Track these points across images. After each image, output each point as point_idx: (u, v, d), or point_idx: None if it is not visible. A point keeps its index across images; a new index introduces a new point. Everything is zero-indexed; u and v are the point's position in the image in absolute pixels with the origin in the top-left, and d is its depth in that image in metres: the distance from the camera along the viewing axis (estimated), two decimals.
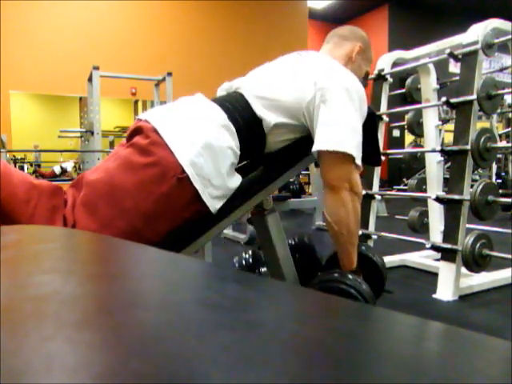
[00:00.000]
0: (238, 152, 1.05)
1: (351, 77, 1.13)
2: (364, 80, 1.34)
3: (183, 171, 0.93)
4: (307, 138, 1.14)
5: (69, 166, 6.28)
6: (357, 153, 1.06)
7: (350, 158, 1.06)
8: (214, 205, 0.99)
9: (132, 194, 0.92)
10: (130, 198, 0.92)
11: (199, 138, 0.97)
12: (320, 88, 1.07)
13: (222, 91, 1.26)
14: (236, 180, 1.05)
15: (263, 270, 1.52)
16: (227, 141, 1.01)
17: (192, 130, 0.98)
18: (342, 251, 1.15)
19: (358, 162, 1.07)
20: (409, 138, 8.05)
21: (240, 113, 1.08)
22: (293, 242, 1.55)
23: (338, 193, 1.08)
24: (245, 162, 1.19)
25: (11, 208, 0.88)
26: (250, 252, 1.62)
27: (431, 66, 2.51)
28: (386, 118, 2.50)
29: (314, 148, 1.07)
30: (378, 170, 2.49)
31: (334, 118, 1.06)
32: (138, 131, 0.99)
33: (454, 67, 8.04)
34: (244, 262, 1.60)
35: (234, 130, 1.03)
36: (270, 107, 1.10)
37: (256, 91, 1.13)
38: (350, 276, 1.11)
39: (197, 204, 0.97)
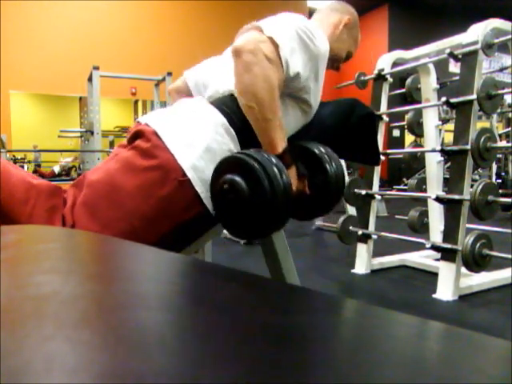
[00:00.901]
0: None
1: (316, 30, 1.06)
2: (345, 59, 1.28)
3: (184, 174, 0.93)
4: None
5: (68, 160, 6.29)
6: (267, 28, 0.95)
7: (258, 29, 0.96)
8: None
9: (133, 195, 0.92)
10: (130, 199, 0.92)
11: (200, 141, 0.97)
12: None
13: (210, 91, 1.19)
14: None
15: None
16: (227, 144, 1.00)
17: (193, 134, 0.98)
18: (257, 130, 0.96)
19: (277, 41, 0.94)
20: (409, 137, 8.06)
21: (237, 115, 1.08)
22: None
23: (240, 56, 0.92)
24: None
25: (10, 208, 0.88)
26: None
27: (431, 66, 2.51)
28: (386, 118, 2.50)
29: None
30: (377, 170, 2.49)
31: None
32: (138, 134, 0.99)
33: (454, 67, 8.04)
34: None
35: (233, 133, 1.03)
36: None
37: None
38: (265, 153, 0.89)
39: (197, 206, 0.97)
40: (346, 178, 1.01)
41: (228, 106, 1.08)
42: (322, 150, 1.04)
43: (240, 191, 0.87)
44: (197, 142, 0.97)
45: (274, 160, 0.88)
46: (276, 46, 0.93)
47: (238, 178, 0.88)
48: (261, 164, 0.86)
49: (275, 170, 0.86)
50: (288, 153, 0.97)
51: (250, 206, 0.88)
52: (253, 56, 0.91)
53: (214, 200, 0.95)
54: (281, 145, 0.95)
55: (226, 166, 0.93)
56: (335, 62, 1.26)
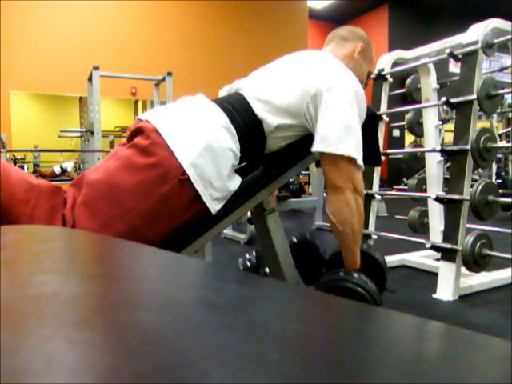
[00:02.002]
0: (239, 154, 1.05)
1: (351, 77, 1.13)
2: (366, 79, 1.34)
3: (184, 172, 0.93)
4: (307, 138, 1.14)
5: (69, 165, 6.28)
6: (357, 154, 1.07)
7: (351, 160, 1.07)
8: (214, 206, 0.99)
9: (132, 194, 0.92)
10: (130, 198, 0.92)
11: (200, 139, 0.97)
12: (322, 86, 1.07)
13: (224, 92, 1.26)
14: (236, 182, 1.05)
15: (268, 270, 1.52)
16: (228, 142, 1.01)
17: (193, 131, 0.98)
18: (347, 251, 1.15)
19: (360, 162, 1.08)
20: (409, 137, 8.06)
21: (240, 114, 1.08)
22: (295, 240, 1.54)
23: (341, 193, 1.09)
24: (244, 163, 1.19)
25: (10, 209, 0.88)
26: (254, 253, 1.62)
27: (431, 66, 2.51)
28: (386, 118, 2.50)
29: (314, 148, 1.08)
30: (378, 170, 2.49)
31: (332, 118, 1.06)
32: (138, 132, 0.99)
33: (454, 67, 8.04)
34: (248, 263, 1.60)
35: (234, 131, 1.03)
36: (270, 109, 1.10)
37: (256, 93, 1.13)
38: (356, 274, 1.11)
39: (197, 205, 0.97)
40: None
41: (231, 104, 1.08)
42: (365, 246, 1.37)
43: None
44: (197, 139, 0.97)
45: (364, 278, 1.11)
46: (361, 167, 1.10)
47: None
48: (361, 286, 1.09)
49: (370, 285, 1.10)
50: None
51: None
52: (351, 193, 1.10)
53: None
54: (359, 260, 1.17)
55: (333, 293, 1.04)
56: (360, 83, 1.30)
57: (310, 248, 1.52)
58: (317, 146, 1.07)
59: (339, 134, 1.06)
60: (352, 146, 1.07)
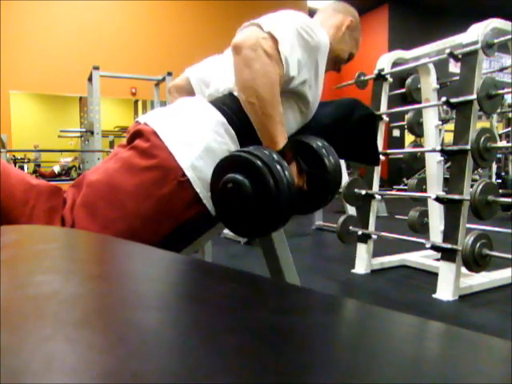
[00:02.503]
0: None
1: (303, 17, 1.06)
2: (346, 61, 1.29)
3: (184, 174, 0.93)
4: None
5: (67, 161, 6.29)
6: (266, 24, 0.95)
7: (259, 26, 0.96)
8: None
9: (132, 196, 0.92)
10: (130, 199, 0.92)
11: (199, 141, 0.97)
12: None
13: (211, 90, 1.20)
14: None
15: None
16: (227, 144, 1.00)
17: (192, 133, 0.98)
18: (258, 126, 0.96)
19: (267, 28, 0.94)
20: (409, 137, 8.05)
21: (237, 115, 1.08)
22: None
23: (240, 52, 0.92)
24: None
25: (9, 209, 0.88)
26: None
27: (431, 66, 2.51)
28: (386, 118, 2.50)
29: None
30: (377, 170, 2.49)
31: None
32: (138, 134, 0.99)
33: (454, 67, 8.04)
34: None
35: (233, 133, 1.03)
36: None
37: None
38: (267, 151, 0.89)
39: (197, 206, 0.97)
40: (344, 173, 1.03)
41: (228, 106, 1.07)
42: (320, 143, 1.04)
43: (244, 190, 0.87)
44: (196, 141, 0.96)
45: (276, 157, 0.88)
46: (275, 41, 0.93)
47: (240, 177, 0.88)
48: (264, 162, 0.85)
49: (278, 167, 0.86)
50: (289, 149, 0.97)
51: (254, 204, 0.87)
52: (252, 52, 0.91)
53: (215, 199, 0.94)
54: (282, 141, 0.95)
55: (227, 164, 0.92)
56: (337, 63, 1.26)
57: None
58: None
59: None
60: (267, 21, 0.96)
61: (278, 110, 0.94)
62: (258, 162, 0.85)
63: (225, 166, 0.92)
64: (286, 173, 0.87)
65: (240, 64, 0.93)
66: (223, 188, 0.90)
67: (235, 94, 1.11)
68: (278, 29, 0.95)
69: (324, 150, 1.03)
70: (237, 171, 0.89)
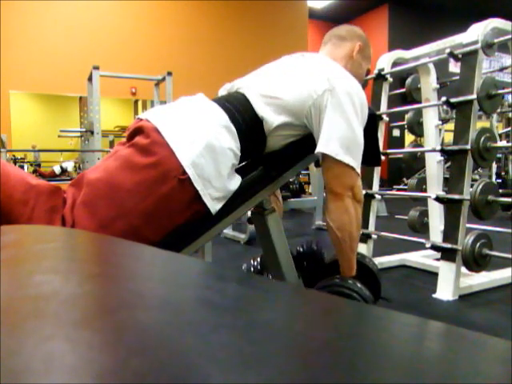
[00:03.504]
0: (239, 153, 1.04)
1: (353, 81, 1.14)
2: (365, 77, 1.35)
3: (184, 172, 0.93)
4: (308, 138, 1.14)
5: (69, 165, 6.28)
6: (358, 163, 1.10)
7: (352, 168, 1.10)
8: (214, 206, 0.99)
9: (132, 194, 0.92)
10: (130, 198, 0.92)
11: (200, 138, 0.97)
12: (326, 89, 1.08)
13: (223, 91, 1.26)
14: (236, 181, 1.05)
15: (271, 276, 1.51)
16: (228, 142, 1.00)
17: (193, 131, 0.98)
18: (344, 257, 1.17)
19: (358, 170, 1.11)
20: (409, 137, 8.05)
21: (241, 113, 1.08)
22: (301, 250, 1.53)
23: (341, 200, 1.10)
24: (244, 163, 1.19)
25: (9, 210, 0.87)
26: (259, 259, 1.61)
27: (431, 66, 2.51)
28: (386, 118, 2.50)
29: (319, 149, 1.08)
30: (378, 170, 2.49)
31: (338, 122, 1.07)
32: (138, 131, 0.99)
33: (454, 67, 8.04)
34: (252, 269, 1.59)
35: (234, 131, 1.03)
36: (272, 105, 1.10)
37: (258, 90, 1.13)
38: (351, 280, 1.14)
39: (197, 204, 0.97)
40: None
41: (231, 103, 1.08)
42: (361, 255, 1.37)
43: None
44: (197, 138, 0.96)
45: (359, 285, 1.14)
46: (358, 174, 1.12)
47: None
48: (357, 292, 1.12)
49: (365, 291, 1.14)
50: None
51: None
52: (351, 201, 1.11)
53: None
54: (355, 267, 1.18)
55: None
56: (359, 82, 1.30)
57: (314, 258, 1.51)
58: (321, 148, 1.08)
59: (344, 140, 1.07)
60: (354, 156, 1.09)
61: (358, 245, 1.19)
62: (355, 295, 1.12)
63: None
64: (367, 292, 1.14)
65: (341, 209, 1.12)
66: None
67: (241, 91, 1.14)
68: (359, 157, 1.11)
69: (365, 259, 1.40)
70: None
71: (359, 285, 1.14)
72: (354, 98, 1.09)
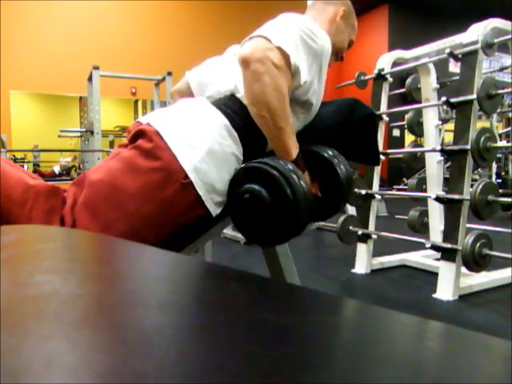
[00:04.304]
0: (241, 157, 1.04)
1: (307, 22, 1.06)
2: (348, 47, 1.28)
3: (186, 176, 0.93)
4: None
5: (67, 160, 6.29)
6: (275, 36, 0.94)
7: (266, 39, 0.94)
8: (216, 210, 0.99)
9: (134, 197, 0.92)
10: (132, 200, 0.92)
11: (203, 143, 0.96)
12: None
13: (212, 90, 1.20)
14: None
15: None
16: (230, 147, 1.00)
17: (195, 136, 0.98)
18: (270, 138, 0.98)
19: (275, 42, 0.93)
20: (409, 137, 8.05)
21: (239, 116, 1.07)
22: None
23: (248, 66, 0.92)
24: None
25: (7, 210, 0.87)
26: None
27: (431, 66, 2.51)
28: (385, 118, 2.50)
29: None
30: (377, 170, 2.50)
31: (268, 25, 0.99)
32: (140, 134, 0.98)
33: (454, 67, 8.04)
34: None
35: (236, 135, 1.02)
36: None
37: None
38: (283, 162, 0.91)
39: (199, 209, 0.97)
40: None
41: (229, 107, 1.07)
42: (331, 153, 1.06)
43: (262, 200, 0.89)
44: (199, 143, 0.96)
45: (291, 167, 0.90)
46: (283, 52, 0.93)
47: (258, 187, 0.89)
48: (281, 172, 0.87)
49: (295, 177, 0.88)
50: (301, 158, 0.98)
51: (272, 214, 0.89)
52: (261, 65, 0.90)
53: (232, 209, 0.96)
54: (294, 151, 0.97)
55: (244, 175, 0.94)
56: (339, 53, 1.26)
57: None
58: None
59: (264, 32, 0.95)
60: (273, 33, 0.94)
61: (289, 122, 0.96)
62: (275, 172, 0.88)
63: (241, 176, 0.93)
64: (302, 182, 0.89)
65: (249, 78, 0.93)
66: (241, 198, 0.91)
67: (237, 95, 1.11)
68: (284, 39, 0.94)
69: (336, 160, 1.05)
70: (254, 181, 0.91)
71: (290, 166, 0.89)
72: (301, 24, 1.01)
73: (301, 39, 0.99)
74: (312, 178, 1.03)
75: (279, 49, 0.93)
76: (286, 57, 0.93)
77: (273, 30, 0.97)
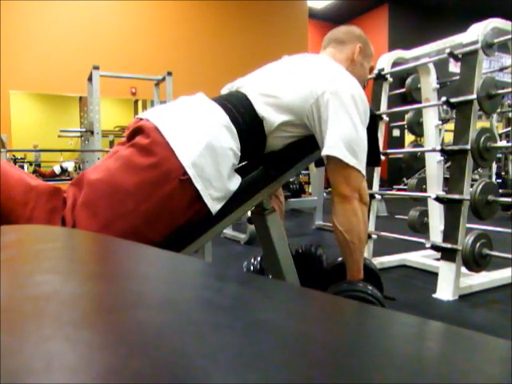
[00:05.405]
0: (239, 153, 1.04)
1: (356, 83, 1.14)
2: (369, 75, 1.36)
3: (185, 172, 0.93)
4: (308, 138, 1.14)
5: (69, 165, 6.28)
6: (363, 166, 1.11)
7: (358, 170, 1.10)
8: (215, 206, 0.99)
9: (133, 195, 0.92)
10: (131, 199, 0.92)
11: (201, 138, 0.97)
12: (328, 89, 1.07)
13: (225, 91, 1.26)
14: (236, 181, 1.05)
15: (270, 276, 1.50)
16: (228, 142, 1.00)
17: (194, 131, 0.98)
18: (353, 260, 1.16)
19: (364, 173, 1.12)
20: (409, 137, 8.05)
21: (241, 113, 1.08)
22: (300, 251, 1.54)
23: (349, 202, 1.11)
24: (244, 163, 1.19)
25: (9, 211, 0.87)
26: (259, 258, 1.61)
27: (431, 66, 2.51)
28: (386, 118, 2.50)
29: (326, 152, 1.08)
30: (378, 170, 2.49)
31: (344, 125, 1.07)
32: (138, 131, 0.99)
33: (454, 67, 8.04)
34: (252, 268, 1.59)
35: (235, 131, 1.03)
36: (273, 105, 1.09)
37: (259, 89, 1.13)
38: (362, 284, 1.15)
39: (197, 205, 0.97)
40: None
41: (232, 103, 1.08)
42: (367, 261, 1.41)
43: None
44: (198, 138, 0.96)
45: (370, 287, 1.16)
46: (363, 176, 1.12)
47: None
48: (370, 295, 1.14)
49: (376, 292, 1.15)
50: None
51: None
52: (359, 204, 1.12)
53: None
54: (362, 270, 1.18)
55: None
56: (362, 82, 1.30)
57: (313, 261, 1.51)
58: (328, 151, 1.08)
59: (350, 143, 1.07)
60: (360, 158, 1.09)
61: (365, 247, 1.21)
62: (370, 298, 1.13)
63: None
64: (378, 292, 1.16)
65: (349, 212, 1.12)
66: None
67: (242, 90, 1.13)
68: (365, 159, 1.13)
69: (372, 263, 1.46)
70: None
71: (370, 287, 1.15)
72: (357, 99, 1.09)
73: (364, 125, 1.13)
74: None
75: (364, 176, 1.13)
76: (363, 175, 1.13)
77: (356, 149, 1.09)
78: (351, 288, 1.15)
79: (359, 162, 1.09)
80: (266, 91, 1.11)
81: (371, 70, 1.36)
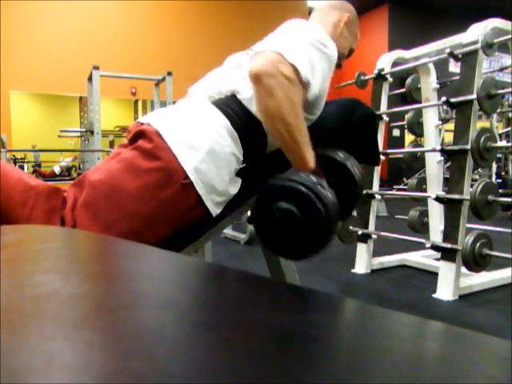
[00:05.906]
0: (241, 158, 1.04)
1: (320, 29, 1.07)
2: (347, 55, 1.30)
3: (187, 177, 0.93)
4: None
5: (67, 161, 6.29)
6: (286, 51, 0.92)
7: (279, 54, 0.92)
8: (216, 210, 1.00)
9: (135, 197, 0.92)
10: (132, 201, 0.92)
11: (203, 144, 0.96)
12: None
13: (203, 89, 1.20)
14: (237, 185, 1.05)
15: None
16: (230, 147, 1.00)
17: (196, 136, 0.98)
18: (288, 151, 0.96)
19: (288, 57, 0.91)
20: (409, 137, 8.05)
21: (240, 117, 1.07)
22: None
23: (261, 81, 0.90)
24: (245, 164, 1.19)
25: (8, 210, 0.87)
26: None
27: (431, 66, 2.51)
28: (385, 118, 2.50)
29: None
30: (377, 170, 2.49)
31: (279, 38, 0.98)
32: (140, 135, 0.99)
33: (454, 67, 8.04)
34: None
35: (236, 136, 1.02)
36: None
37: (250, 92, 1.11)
38: (304, 174, 0.89)
39: (199, 209, 0.97)
40: None
41: (231, 108, 1.07)
42: (342, 155, 1.05)
43: (294, 217, 0.87)
44: (200, 144, 0.96)
45: (315, 179, 0.88)
46: (295, 68, 0.92)
47: (288, 205, 0.88)
48: (307, 187, 0.86)
49: (321, 188, 0.87)
50: (318, 166, 0.97)
51: (305, 229, 0.88)
52: (273, 79, 0.88)
53: (260, 228, 0.95)
54: (311, 160, 0.95)
55: (270, 193, 0.92)
56: (338, 60, 1.26)
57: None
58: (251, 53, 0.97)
59: (280, 47, 0.92)
60: (285, 48, 0.92)
61: (304, 132, 0.94)
62: (302, 188, 0.86)
63: (267, 195, 0.92)
64: (328, 192, 0.87)
65: (262, 93, 0.91)
66: (270, 217, 0.90)
67: (238, 96, 1.11)
68: (296, 54, 0.93)
69: (349, 162, 1.04)
70: (282, 200, 0.89)
71: (314, 179, 0.88)
72: (311, 29, 1.02)
73: (313, 47, 0.98)
74: (329, 184, 1.00)
75: (292, 65, 0.91)
76: (296, 70, 0.92)
77: (284, 43, 0.94)
78: (285, 177, 0.91)
79: (280, 47, 0.91)
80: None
81: (351, 51, 1.28)
